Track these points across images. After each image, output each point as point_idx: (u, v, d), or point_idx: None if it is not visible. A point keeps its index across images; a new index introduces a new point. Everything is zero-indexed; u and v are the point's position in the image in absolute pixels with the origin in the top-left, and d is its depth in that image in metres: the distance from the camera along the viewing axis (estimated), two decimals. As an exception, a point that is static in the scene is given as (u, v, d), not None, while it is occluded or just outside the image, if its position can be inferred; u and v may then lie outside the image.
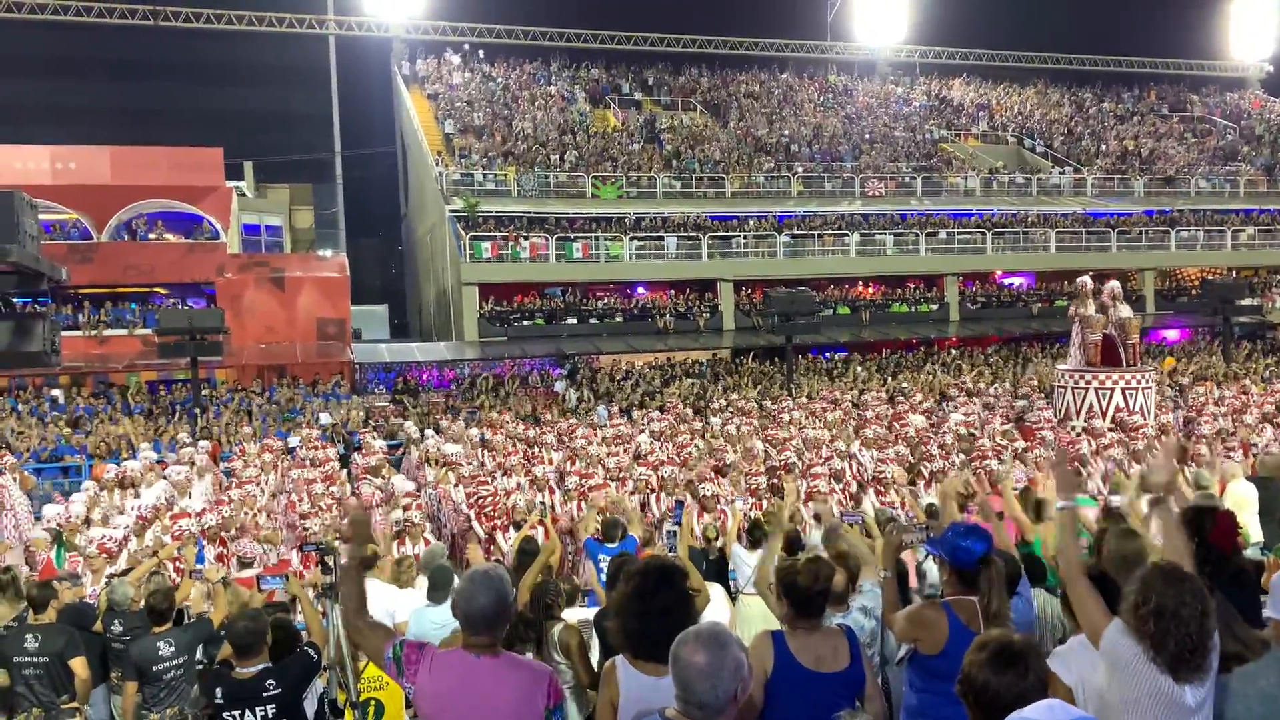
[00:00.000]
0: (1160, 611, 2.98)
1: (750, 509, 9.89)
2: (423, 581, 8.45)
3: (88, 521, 10.36)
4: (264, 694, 4.82)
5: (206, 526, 9.44)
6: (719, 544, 8.99)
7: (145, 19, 37.60)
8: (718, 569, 8.54)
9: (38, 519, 13.15)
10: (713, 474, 11.38)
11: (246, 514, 10.66)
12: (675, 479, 10.81)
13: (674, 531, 8.19)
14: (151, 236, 28.44)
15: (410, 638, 5.87)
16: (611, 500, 9.75)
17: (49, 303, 20.79)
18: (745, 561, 7.93)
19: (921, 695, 4.08)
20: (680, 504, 10.24)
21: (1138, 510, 8.08)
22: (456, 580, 6.56)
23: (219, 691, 4.82)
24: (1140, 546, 4.34)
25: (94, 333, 25.92)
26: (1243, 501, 8.80)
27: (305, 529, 9.79)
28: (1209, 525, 4.25)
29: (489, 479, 11.27)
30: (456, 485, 11.54)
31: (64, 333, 12.31)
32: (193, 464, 13.70)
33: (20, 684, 6.17)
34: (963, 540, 4.08)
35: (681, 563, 5.82)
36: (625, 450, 13.16)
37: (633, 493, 10.75)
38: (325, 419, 20.32)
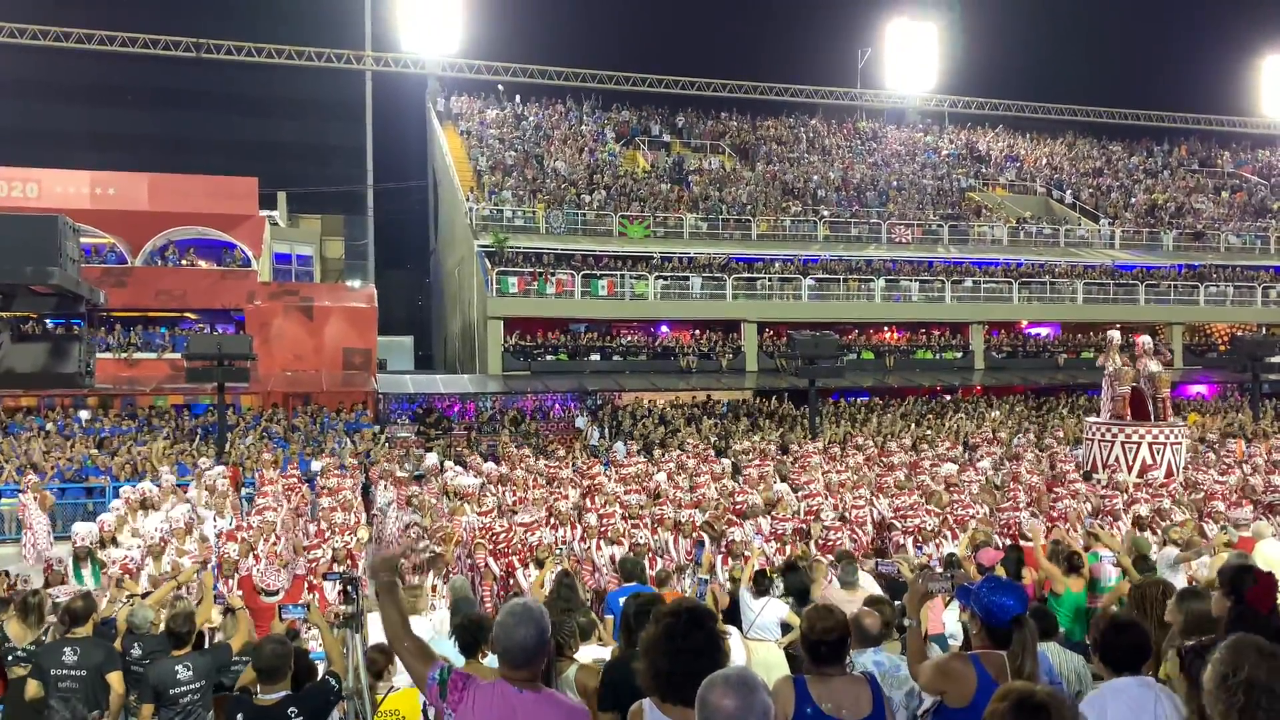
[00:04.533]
0: (1252, 684, 2.84)
1: (774, 554, 9.82)
2: (433, 611, 8.45)
3: (114, 541, 10.44)
4: (286, 722, 4.80)
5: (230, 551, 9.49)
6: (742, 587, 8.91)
7: (188, 51, 38.46)
8: (732, 612, 8.45)
9: (59, 538, 13.30)
10: (731, 518, 11.32)
11: (265, 541, 10.70)
12: (692, 521, 10.76)
13: (705, 580, 8.09)
14: (184, 263, 28.88)
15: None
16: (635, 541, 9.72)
17: (83, 325, 21.08)
18: (750, 607, 7.84)
19: (946, 749, 4.02)
20: (701, 545, 10.19)
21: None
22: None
23: (240, 717, 4.81)
24: (1209, 609, 4.28)
25: (124, 355, 26.25)
26: (1273, 561, 8.66)
27: (316, 558, 9.76)
28: (1248, 584, 4.16)
29: (505, 515, 11.22)
30: (483, 515, 11.50)
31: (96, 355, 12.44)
32: (212, 490, 13.76)
33: (55, 697, 6.18)
34: (997, 597, 4.03)
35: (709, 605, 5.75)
36: (643, 489, 13.11)
37: (654, 531, 10.71)
38: (346, 446, 20.43)
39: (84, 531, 10.14)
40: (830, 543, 10.23)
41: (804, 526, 10.82)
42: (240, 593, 8.48)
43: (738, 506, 12.04)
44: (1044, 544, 9.01)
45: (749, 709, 2.63)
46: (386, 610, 3.72)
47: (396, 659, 5.97)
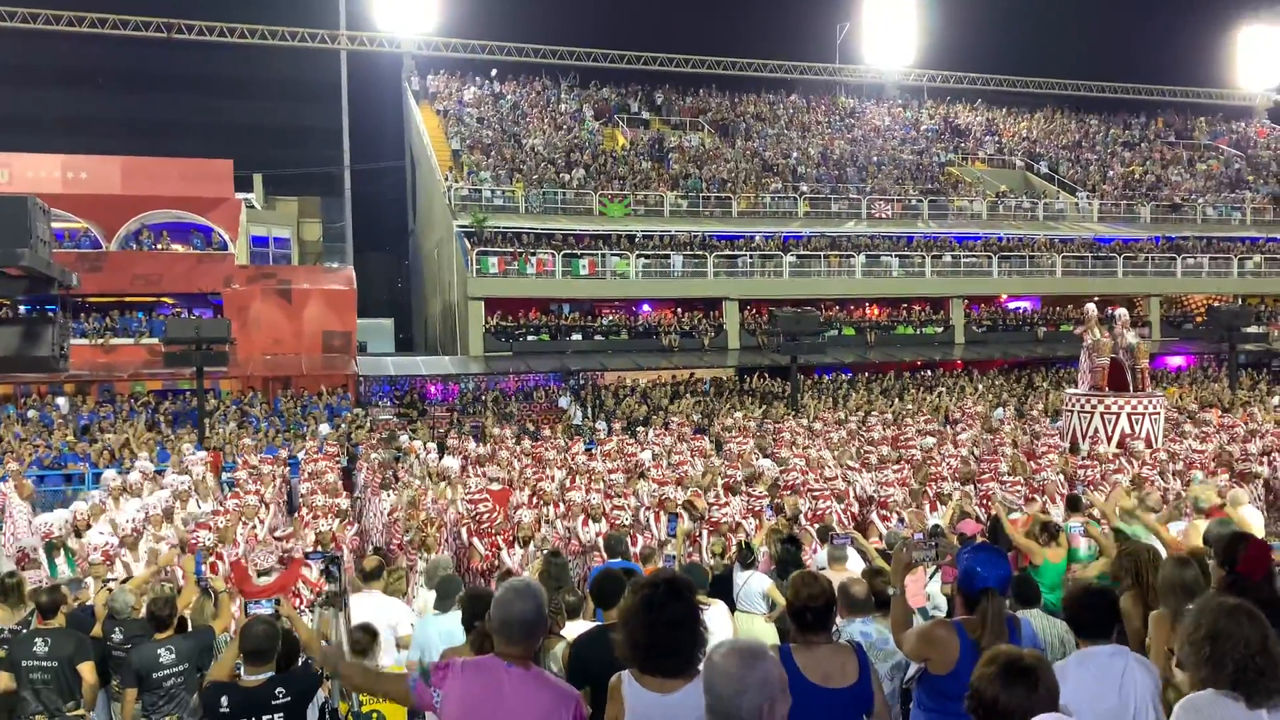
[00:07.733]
0: (1215, 635, 2.95)
1: (754, 529, 9.86)
2: (413, 592, 8.40)
3: (87, 527, 10.30)
4: (273, 702, 4.77)
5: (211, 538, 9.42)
6: (724, 561, 8.94)
7: (159, 32, 37.84)
8: (722, 585, 8.48)
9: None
10: (717, 495, 11.34)
11: (245, 525, 10.64)
12: (675, 499, 10.79)
13: (674, 556, 8.13)
14: (159, 247, 28.53)
15: (413, 653, 5.87)
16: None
17: (57, 311, 20.78)
18: (736, 580, 7.90)
19: (931, 715, 4.04)
20: (674, 518, 10.23)
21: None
22: (463, 590, 6.56)
23: (224, 700, 4.76)
24: (1196, 575, 4.28)
25: (100, 341, 25.96)
26: (1249, 528, 8.75)
27: (287, 548, 9.68)
28: (1240, 552, 4.18)
29: (487, 496, 11.20)
30: (458, 500, 11.50)
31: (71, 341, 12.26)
32: (188, 473, 13.68)
33: (27, 689, 6.12)
34: (974, 564, 4.05)
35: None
36: (624, 469, 13.12)
37: (638, 508, 10.72)
38: (325, 430, 20.32)
39: (53, 520, 10.01)
40: (820, 512, 10.31)
41: (779, 501, 10.88)
42: (225, 575, 8.42)
43: (727, 480, 12.08)
44: (1025, 517, 9.07)
45: (751, 677, 2.62)
46: (348, 673, 4.13)
47: (380, 637, 5.98)
